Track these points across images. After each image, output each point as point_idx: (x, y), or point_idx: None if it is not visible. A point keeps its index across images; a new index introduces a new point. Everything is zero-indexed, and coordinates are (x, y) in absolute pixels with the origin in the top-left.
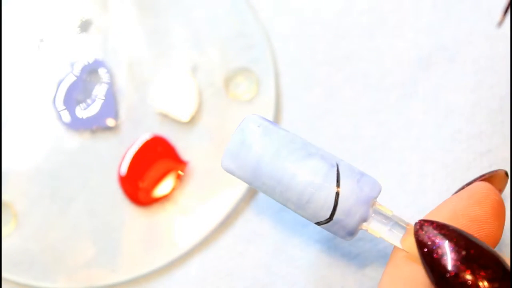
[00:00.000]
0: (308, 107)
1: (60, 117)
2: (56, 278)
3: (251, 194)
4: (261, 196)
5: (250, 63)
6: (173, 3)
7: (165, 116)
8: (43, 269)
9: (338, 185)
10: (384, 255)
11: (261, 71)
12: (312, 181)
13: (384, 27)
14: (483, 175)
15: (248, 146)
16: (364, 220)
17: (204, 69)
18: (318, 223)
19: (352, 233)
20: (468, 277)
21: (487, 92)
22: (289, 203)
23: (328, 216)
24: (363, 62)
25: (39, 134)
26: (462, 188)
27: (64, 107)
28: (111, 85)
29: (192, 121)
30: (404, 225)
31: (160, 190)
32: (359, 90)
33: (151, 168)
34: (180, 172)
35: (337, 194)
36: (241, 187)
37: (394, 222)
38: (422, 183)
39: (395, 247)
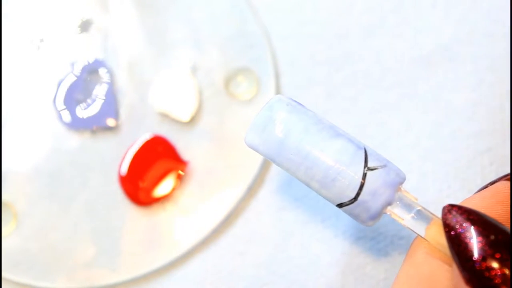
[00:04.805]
0: (307, 107)
1: (60, 117)
2: (56, 278)
3: (251, 194)
4: (261, 195)
5: (250, 63)
6: (173, 3)
7: (165, 116)
8: (43, 269)
9: (366, 165)
10: (385, 254)
11: (261, 71)
12: (340, 159)
13: (384, 27)
14: (506, 175)
15: (275, 121)
16: (389, 203)
17: (204, 69)
18: (341, 205)
19: (375, 216)
20: (495, 261)
21: (487, 91)
22: (313, 181)
23: (353, 196)
24: (363, 61)
25: (39, 134)
26: (485, 187)
27: (65, 107)
28: (111, 85)
29: (192, 121)
30: (429, 215)
31: (161, 190)
32: (359, 90)
33: (151, 168)
34: (180, 172)
35: (365, 174)
36: (241, 187)
37: (418, 210)
38: (423, 182)
39: (413, 244)
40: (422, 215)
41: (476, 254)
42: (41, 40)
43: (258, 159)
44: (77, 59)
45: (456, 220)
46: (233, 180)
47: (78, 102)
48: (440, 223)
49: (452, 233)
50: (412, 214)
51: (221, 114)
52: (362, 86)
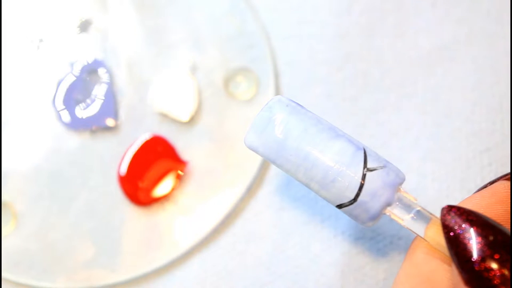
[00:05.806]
0: (307, 107)
1: (59, 117)
2: (56, 278)
3: (250, 194)
4: (260, 195)
5: (249, 63)
6: (172, 2)
7: (165, 116)
8: (43, 269)
9: (365, 166)
10: (384, 254)
11: (260, 71)
12: (339, 160)
13: (384, 27)
14: (506, 175)
15: (275, 122)
16: (389, 204)
17: (204, 68)
18: (340, 206)
19: (374, 217)
20: (494, 262)
21: (487, 91)
22: (313, 182)
23: (352, 197)
24: (363, 62)
25: (39, 134)
26: (485, 186)
27: (64, 107)
28: (110, 85)
29: (192, 121)
30: (428, 215)
31: (160, 190)
32: (358, 90)
33: (150, 168)
34: (180, 172)
35: (364, 174)
36: (241, 187)
37: (418, 210)
38: (422, 182)
39: (413, 244)
40: (421, 215)
41: (475, 255)
42: (41, 40)
43: (258, 159)
44: (77, 59)
45: (455, 221)
46: (233, 180)
47: (78, 102)
48: (439, 223)
49: (451, 234)
50: (412, 215)
51: (221, 114)
52: (362, 86)
